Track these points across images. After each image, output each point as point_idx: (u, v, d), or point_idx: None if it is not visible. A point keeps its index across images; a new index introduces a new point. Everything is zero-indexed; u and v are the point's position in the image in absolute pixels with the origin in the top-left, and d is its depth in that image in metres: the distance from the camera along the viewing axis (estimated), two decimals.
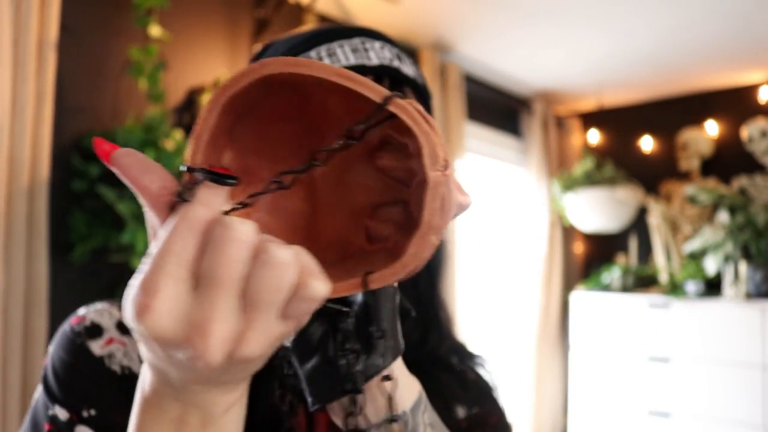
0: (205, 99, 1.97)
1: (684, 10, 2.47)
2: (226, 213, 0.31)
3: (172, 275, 0.28)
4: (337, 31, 0.57)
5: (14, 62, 1.48)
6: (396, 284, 0.48)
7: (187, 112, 2.00)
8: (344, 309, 0.36)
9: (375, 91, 0.31)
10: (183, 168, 0.32)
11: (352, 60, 0.55)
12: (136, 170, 0.31)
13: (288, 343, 0.42)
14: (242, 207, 0.33)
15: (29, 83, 1.48)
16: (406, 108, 0.31)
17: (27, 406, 1.48)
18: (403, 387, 0.45)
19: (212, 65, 2.08)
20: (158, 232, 0.31)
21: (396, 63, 0.57)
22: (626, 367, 3.05)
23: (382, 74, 0.56)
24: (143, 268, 0.29)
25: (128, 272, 1.75)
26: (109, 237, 1.66)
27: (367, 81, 0.31)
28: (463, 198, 0.38)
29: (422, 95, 0.60)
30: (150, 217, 0.32)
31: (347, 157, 0.38)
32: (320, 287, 0.29)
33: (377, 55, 0.56)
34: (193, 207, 0.29)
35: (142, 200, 0.31)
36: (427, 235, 0.31)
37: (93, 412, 0.51)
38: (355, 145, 0.33)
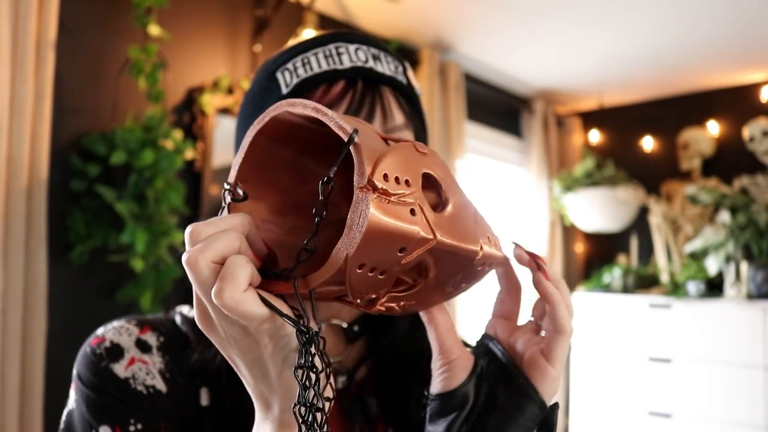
0: (205, 98, 1.97)
1: (685, 10, 2.46)
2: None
3: None
4: (315, 40, 0.58)
5: (13, 62, 1.47)
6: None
7: (186, 111, 2.00)
8: (294, 324, 0.34)
9: (341, 129, 0.35)
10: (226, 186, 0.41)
11: (324, 66, 0.55)
12: None
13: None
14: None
15: (28, 83, 1.48)
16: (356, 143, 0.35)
17: (26, 406, 1.47)
18: None
19: (212, 65, 2.08)
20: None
21: (370, 63, 0.56)
22: (627, 367, 3.04)
23: (355, 76, 0.56)
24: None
25: (127, 272, 1.75)
26: (108, 237, 1.66)
27: (334, 116, 0.35)
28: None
29: (404, 92, 0.59)
30: None
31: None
32: (218, 290, 0.33)
33: (350, 57, 0.56)
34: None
35: None
36: (342, 250, 0.33)
37: (140, 425, 0.52)
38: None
